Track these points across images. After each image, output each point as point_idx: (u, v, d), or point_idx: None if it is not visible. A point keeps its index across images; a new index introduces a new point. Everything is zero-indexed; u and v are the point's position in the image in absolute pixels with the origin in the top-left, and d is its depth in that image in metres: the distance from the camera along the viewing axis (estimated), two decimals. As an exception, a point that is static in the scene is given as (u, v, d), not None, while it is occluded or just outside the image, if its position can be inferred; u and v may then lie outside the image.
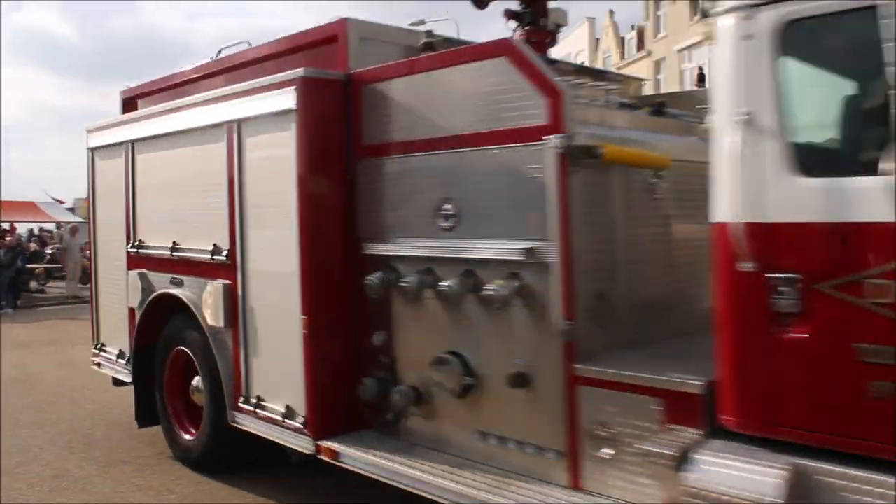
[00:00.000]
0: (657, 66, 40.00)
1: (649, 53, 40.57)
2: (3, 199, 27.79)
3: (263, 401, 5.57)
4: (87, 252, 32.06)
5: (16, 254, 21.27)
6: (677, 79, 37.45)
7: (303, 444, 5.24)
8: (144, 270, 6.96)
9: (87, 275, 29.98)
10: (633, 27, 45.08)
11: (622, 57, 44.67)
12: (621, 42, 45.49)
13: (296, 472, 6.11)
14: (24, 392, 9.99)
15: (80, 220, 30.38)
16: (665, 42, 38.78)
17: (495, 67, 4.34)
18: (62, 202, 35.04)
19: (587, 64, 47.93)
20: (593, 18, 49.12)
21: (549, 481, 4.21)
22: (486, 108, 4.41)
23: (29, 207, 27.08)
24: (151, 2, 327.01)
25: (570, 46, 50.61)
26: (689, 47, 36.25)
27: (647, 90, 41.80)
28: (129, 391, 7.54)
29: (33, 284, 25.00)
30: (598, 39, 48.49)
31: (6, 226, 29.96)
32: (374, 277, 4.92)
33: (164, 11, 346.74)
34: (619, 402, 3.90)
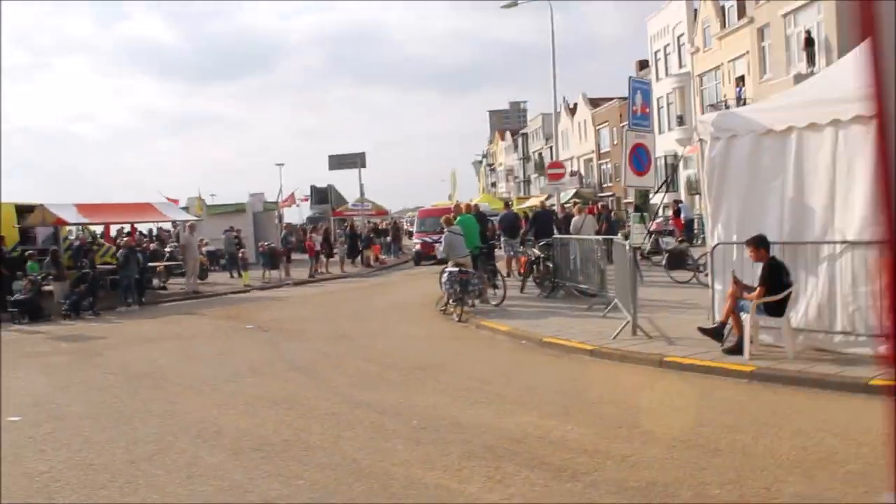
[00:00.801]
0: (760, 33, 38.42)
1: (751, 20, 38.99)
2: (122, 202, 29.13)
3: None
4: (203, 248, 33.13)
5: (132, 253, 22.15)
6: (783, 46, 35.85)
7: None
8: None
9: (205, 271, 31.18)
10: (732, -7, 43.30)
11: (723, 26, 43.07)
12: (721, 11, 43.80)
13: None
14: (154, 384, 10.45)
15: (195, 217, 31.57)
16: (768, 7, 37.16)
17: None
18: (176, 202, 36.46)
19: (685, 37, 46.51)
20: (690, -13, 47.48)
21: None
22: None
23: (146, 209, 28.14)
24: (245, 2, 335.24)
25: (667, 19, 49.24)
26: (796, 10, 34.60)
27: (750, 61, 39.20)
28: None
29: (155, 282, 26.12)
30: (696, 10, 46.84)
31: (126, 228, 31.41)
32: None
33: (257, 12, 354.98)
34: None
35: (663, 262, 20.13)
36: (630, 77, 12.23)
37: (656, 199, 26.43)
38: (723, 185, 10.57)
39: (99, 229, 31.38)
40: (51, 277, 20.77)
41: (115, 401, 9.60)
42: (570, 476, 5.95)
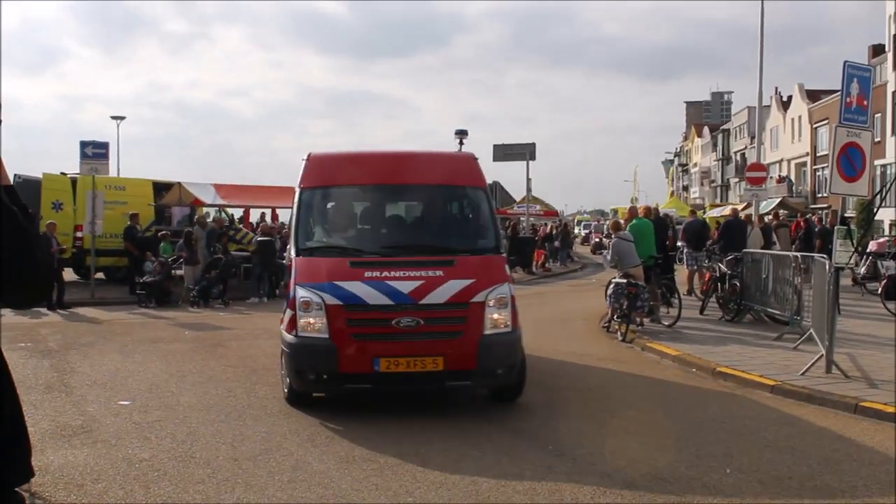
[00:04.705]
0: None
1: None
2: (265, 184, 30.55)
3: None
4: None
5: (269, 241, 23.20)
6: None
7: None
8: None
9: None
10: None
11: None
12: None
13: None
14: (274, 382, 10.95)
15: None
16: None
17: None
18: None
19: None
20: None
21: None
22: None
23: (288, 193, 29.21)
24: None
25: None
26: None
27: None
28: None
29: (291, 274, 27.20)
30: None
31: (267, 213, 32.84)
32: None
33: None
34: None
35: (880, 290, 19.10)
36: (845, 62, 11.61)
37: (883, 214, 25.13)
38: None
39: (238, 213, 33.05)
40: (182, 261, 22.12)
41: (229, 395, 10.19)
42: (720, 525, 5.82)
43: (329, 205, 11.22)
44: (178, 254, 22.39)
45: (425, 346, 8.96)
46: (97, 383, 10.91)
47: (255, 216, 34.14)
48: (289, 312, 9.25)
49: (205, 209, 28.34)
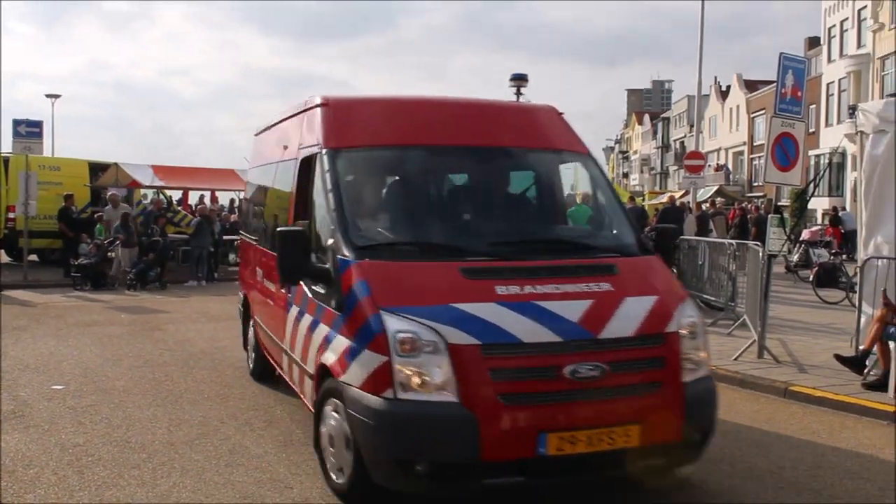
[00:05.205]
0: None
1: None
2: (204, 166, 30.08)
3: None
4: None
5: (206, 223, 22.99)
6: None
7: None
8: None
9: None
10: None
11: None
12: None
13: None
14: (211, 366, 10.92)
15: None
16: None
17: None
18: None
19: (868, 10, 44.64)
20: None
21: None
22: None
23: (228, 176, 28.70)
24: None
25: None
26: None
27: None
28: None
29: (231, 257, 26.93)
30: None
31: (206, 195, 32.44)
32: None
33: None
34: None
35: (811, 277, 19.57)
36: (781, 53, 11.84)
37: (816, 203, 25.71)
38: (884, 188, 10.19)
39: (177, 195, 32.61)
40: (118, 243, 21.75)
41: (166, 379, 10.10)
42: (652, 507, 5.95)
43: (382, 177, 7.39)
44: (114, 236, 22.01)
45: (615, 408, 5.44)
46: (30, 367, 10.71)
47: (193, 198, 33.80)
48: (369, 356, 5.41)
49: (143, 190, 27.93)
